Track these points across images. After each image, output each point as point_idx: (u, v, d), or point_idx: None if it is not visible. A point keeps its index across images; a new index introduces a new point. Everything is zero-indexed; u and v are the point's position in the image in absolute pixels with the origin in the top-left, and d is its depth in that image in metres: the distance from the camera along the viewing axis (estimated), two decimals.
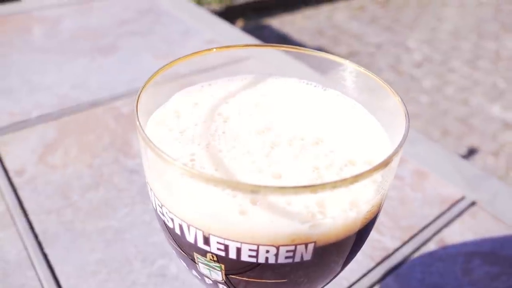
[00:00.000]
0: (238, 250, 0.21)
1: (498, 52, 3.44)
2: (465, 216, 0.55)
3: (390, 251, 0.50)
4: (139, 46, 0.89)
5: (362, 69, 0.29)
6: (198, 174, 0.19)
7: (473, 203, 0.57)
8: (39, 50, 0.85)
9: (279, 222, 0.21)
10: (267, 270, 0.22)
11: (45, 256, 0.47)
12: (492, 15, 4.03)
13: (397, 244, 0.51)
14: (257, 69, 0.32)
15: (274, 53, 0.31)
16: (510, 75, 3.12)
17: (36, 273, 0.45)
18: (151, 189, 0.24)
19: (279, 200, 0.21)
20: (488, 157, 2.32)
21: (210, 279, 0.25)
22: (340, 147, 0.26)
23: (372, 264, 0.48)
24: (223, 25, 1.02)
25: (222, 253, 0.22)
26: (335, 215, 0.21)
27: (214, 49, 0.29)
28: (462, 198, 0.57)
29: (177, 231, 0.23)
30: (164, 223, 0.24)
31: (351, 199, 0.22)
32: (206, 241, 0.22)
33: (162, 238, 0.49)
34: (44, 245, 0.48)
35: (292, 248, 0.21)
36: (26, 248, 0.47)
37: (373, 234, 0.52)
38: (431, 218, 0.54)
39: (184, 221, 0.22)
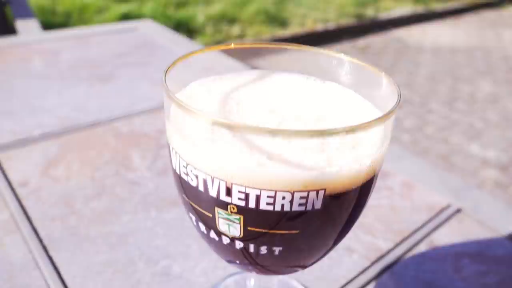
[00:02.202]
0: (257, 198, 0.24)
1: (473, 94, 3.61)
2: (452, 222, 0.58)
3: (384, 251, 0.52)
4: (136, 75, 0.94)
5: (355, 60, 0.33)
6: (224, 122, 0.23)
7: (458, 210, 0.60)
8: (39, 77, 0.88)
9: (293, 170, 0.24)
10: (282, 219, 0.25)
11: (50, 258, 0.48)
12: (465, 61, 4.25)
13: (390, 245, 0.53)
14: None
15: (283, 51, 0.35)
16: (486, 115, 3.26)
17: (42, 274, 0.46)
18: (176, 153, 0.27)
19: (292, 152, 0.24)
20: None
21: (228, 237, 0.27)
22: (340, 122, 0.30)
23: (368, 263, 0.50)
24: (217, 54, 1.08)
25: (242, 203, 0.24)
26: (341, 164, 0.24)
27: (232, 44, 0.33)
28: (448, 206, 0.61)
29: (201, 188, 0.26)
30: (186, 185, 0.27)
31: (354, 154, 0.25)
32: (228, 192, 0.24)
33: (164, 241, 0.51)
34: (49, 248, 0.49)
35: (305, 194, 0.24)
36: (31, 251, 0.48)
37: (367, 237, 0.54)
38: (420, 223, 0.57)
39: (208, 174, 0.25)
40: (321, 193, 0.24)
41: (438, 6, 5.51)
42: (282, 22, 4.31)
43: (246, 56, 0.36)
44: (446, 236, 0.56)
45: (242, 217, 0.25)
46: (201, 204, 0.27)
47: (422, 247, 0.54)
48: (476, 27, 5.36)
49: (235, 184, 0.24)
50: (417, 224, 0.57)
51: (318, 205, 0.25)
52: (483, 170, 2.63)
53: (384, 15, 4.95)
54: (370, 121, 0.23)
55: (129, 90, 0.86)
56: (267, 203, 0.24)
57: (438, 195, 0.62)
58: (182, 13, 3.90)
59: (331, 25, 4.47)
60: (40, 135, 0.69)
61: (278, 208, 0.24)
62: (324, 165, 0.24)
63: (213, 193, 0.25)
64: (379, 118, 0.24)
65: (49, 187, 0.58)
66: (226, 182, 0.24)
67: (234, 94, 0.32)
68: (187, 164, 0.26)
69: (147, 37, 1.18)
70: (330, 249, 0.30)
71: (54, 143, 0.67)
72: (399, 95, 0.27)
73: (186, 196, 0.28)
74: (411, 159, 0.71)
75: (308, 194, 0.24)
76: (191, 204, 0.28)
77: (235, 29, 3.71)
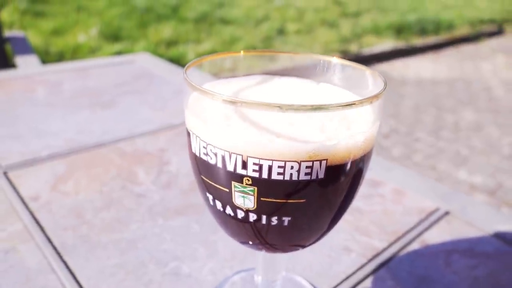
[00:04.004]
0: (270, 169, 0.28)
1: (457, 123, 3.72)
2: (442, 223, 0.62)
3: (379, 250, 0.56)
4: (135, 102, 0.98)
5: (346, 62, 0.38)
6: (241, 100, 0.27)
7: (447, 213, 0.64)
8: (43, 105, 0.92)
9: (299, 143, 0.28)
10: (291, 188, 0.28)
11: (65, 263, 0.50)
12: (447, 92, 4.40)
13: (385, 244, 0.57)
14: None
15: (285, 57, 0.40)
16: (471, 143, 3.35)
17: (58, 277, 0.48)
18: (196, 137, 0.31)
19: (297, 130, 0.28)
20: None
21: (243, 210, 0.30)
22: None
23: (365, 260, 0.54)
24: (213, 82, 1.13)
25: (256, 174, 0.28)
26: (339, 138, 0.28)
27: (242, 52, 0.38)
28: (437, 209, 0.64)
29: (219, 164, 0.29)
30: (205, 165, 0.30)
31: (349, 132, 0.30)
32: (244, 165, 0.28)
33: (172, 246, 0.54)
34: (63, 254, 0.51)
35: (310, 164, 0.28)
36: (46, 257, 0.51)
37: (363, 238, 0.57)
38: (412, 224, 0.61)
39: (226, 151, 0.28)
40: (324, 163, 0.28)
41: (418, 42, 5.74)
42: (270, 58, 4.44)
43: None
44: (436, 236, 0.59)
45: (256, 189, 0.29)
46: (218, 180, 0.30)
47: (414, 246, 0.57)
48: (455, 60, 5.58)
49: (250, 157, 0.28)
50: (409, 225, 0.61)
51: (321, 174, 0.28)
52: (472, 195, 2.68)
53: (367, 50, 5.14)
54: (362, 99, 0.28)
55: (130, 115, 0.91)
56: (278, 173, 0.28)
57: (427, 200, 0.66)
58: (173, 52, 4.01)
59: None
60: (47, 155, 0.72)
61: (287, 177, 0.28)
62: (324, 139, 0.28)
63: (230, 167, 0.29)
64: (369, 97, 0.28)
65: (59, 201, 0.61)
66: (242, 156, 0.28)
67: (242, 93, 0.37)
68: (206, 145, 0.30)
69: (144, 68, 1.23)
70: (329, 228, 0.34)
71: (61, 162, 0.70)
72: (385, 83, 0.32)
73: (205, 176, 0.32)
74: (400, 169, 0.76)
75: (312, 164, 0.28)
76: (209, 183, 0.31)
77: (227, 63, 3.82)
